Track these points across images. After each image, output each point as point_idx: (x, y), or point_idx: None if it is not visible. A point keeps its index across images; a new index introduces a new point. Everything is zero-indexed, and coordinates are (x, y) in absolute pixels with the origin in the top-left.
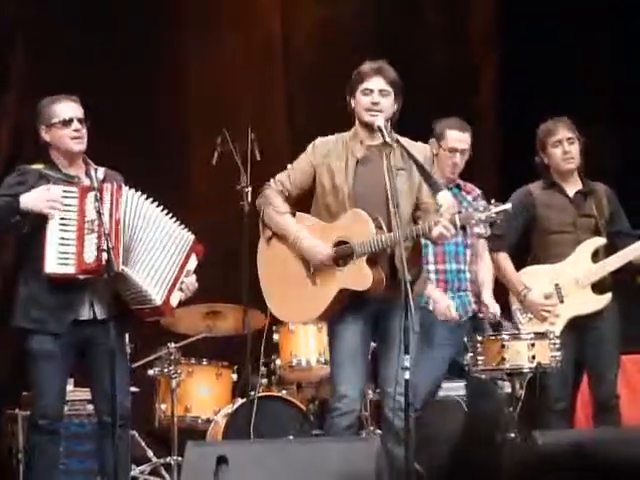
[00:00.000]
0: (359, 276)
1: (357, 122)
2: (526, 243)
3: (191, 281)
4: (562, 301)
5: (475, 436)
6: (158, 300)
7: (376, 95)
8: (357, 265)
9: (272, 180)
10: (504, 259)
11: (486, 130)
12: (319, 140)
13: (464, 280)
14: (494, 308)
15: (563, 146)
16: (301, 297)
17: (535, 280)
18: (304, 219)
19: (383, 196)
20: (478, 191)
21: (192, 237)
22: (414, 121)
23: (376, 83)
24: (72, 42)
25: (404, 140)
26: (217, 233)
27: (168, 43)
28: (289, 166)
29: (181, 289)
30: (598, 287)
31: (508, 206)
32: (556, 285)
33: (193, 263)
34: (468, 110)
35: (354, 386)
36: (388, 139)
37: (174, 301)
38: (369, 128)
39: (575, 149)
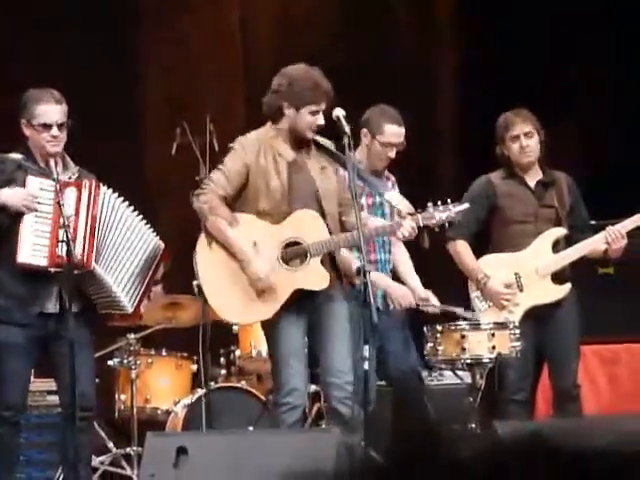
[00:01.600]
0: (316, 276)
1: (285, 128)
2: (485, 232)
3: (158, 289)
4: (521, 290)
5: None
6: (130, 308)
7: (321, 117)
8: (312, 266)
9: (209, 182)
10: (463, 247)
11: (445, 126)
12: (245, 139)
13: (389, 270)
14: (434, 299)
15: (520, 141)
16: (251, 299)
17: (495, 268)
18: (250, 221)
19: (314, 196)
20: (393, 178)
21: (162, 245)
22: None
23: (324, 106)
24: None
25: (323, 141)
26: (176, 225)
27: (125, 33)
28: (222, 167)
29: (149, 297)
30: (558, 277)
31: (466, 205)
32: (516, 274)
33: (160, 271)
34: (426, 100)
35: (302, 380)
36: (347, 130)
37: (142, 309)
38: (299, 138)
39: (534, 142)
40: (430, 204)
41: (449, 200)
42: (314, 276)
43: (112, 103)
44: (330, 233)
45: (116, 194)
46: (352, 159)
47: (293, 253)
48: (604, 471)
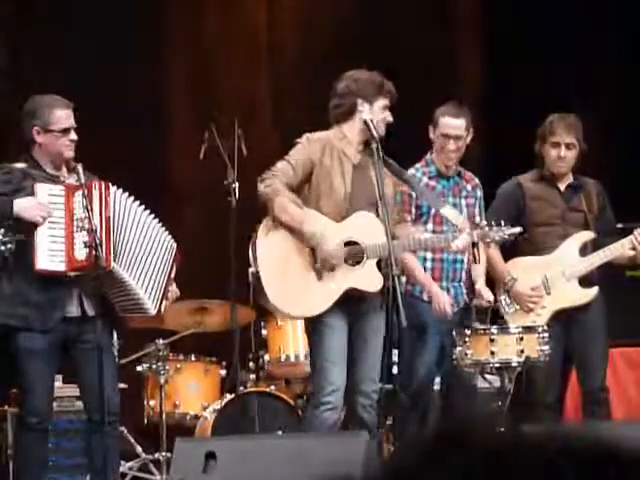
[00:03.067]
0: (371, 278)
1: (355, 127)
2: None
3: (174, 289)
4: (548, 293)
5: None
6: (153, 309)
7: (388, 114)
8: (368, 267)
9: (275, 170)
10: (492, 250)
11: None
12: (312, 135)
13: (460, 270)
14: (488, 296)
15: (559, 150)
16: (305, 291)
17: (522, 271)
18: (315, 215)
19: (373, 201)
20: (476, 181)
21: (175, 244)
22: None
23: (389, 103)
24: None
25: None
26: (204, 229)
27: (148, 36)
28: (289, 158)
29: (167, 297)
30: (585, 281)
31: (519, 229)
32: (543, 277)
33: (174, 271)
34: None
35: (344, 382)
36: (375, 134)
37: (163, 310)
38: (366, 138)
39: (571, 155)
40: (485, 223)
41: (502, 222)
42: (369, 277)
43: (137, 105)
44: None
45: (126, 194)
46: (381, 163)
47: (350, 252)
48: (631, 476)
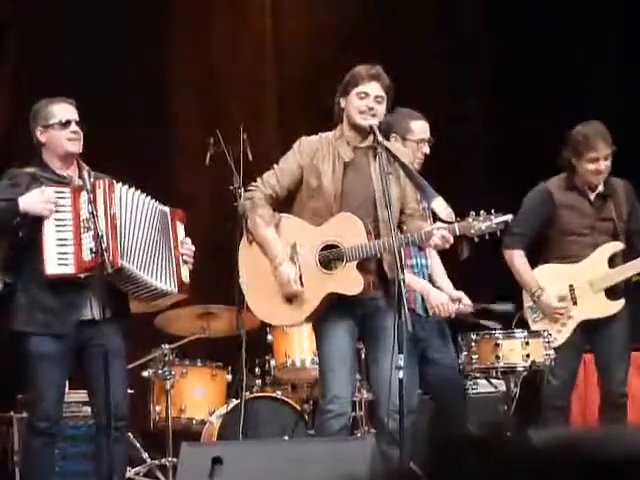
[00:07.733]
0: (350, 281)
1: (345, 123)
2: (539, 241)
3: (188, 247)
4: (575, 303)
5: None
6: (175, 289)
7: (372, 100)
8: (347, 270)
9: (259, 180)
10: (520, 257)
11: (474, 128)
12: (304, 140)
13: (426, 275)
14: (467, 300)
15: (598, 164)
16: (282, 301)
17: (550, 280)
18: (291, 222)
19: (370, 200)
20: None
21: (167, 209)
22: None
23: (373, 88)
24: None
25: (390, 144)
26: (209, 234)
27: (154, 40)
28: (275, 166)
29: (185, 262)
30: (612, 292)
31: (509, 217)
32: (570, 286)
33: (182, 231)
34: (456, 107)
35: (346, 387)
36: (381, 139)
37: (186, 278)
38: (358, 130)
39: (609, 163)
40: (472, 213)
41: (493, 210)
42: (348, 281)
43: (141, 109)
44: (377, 239)
45: (132, 188)
46: (389, 167)
47: (330, 256)
48: None
